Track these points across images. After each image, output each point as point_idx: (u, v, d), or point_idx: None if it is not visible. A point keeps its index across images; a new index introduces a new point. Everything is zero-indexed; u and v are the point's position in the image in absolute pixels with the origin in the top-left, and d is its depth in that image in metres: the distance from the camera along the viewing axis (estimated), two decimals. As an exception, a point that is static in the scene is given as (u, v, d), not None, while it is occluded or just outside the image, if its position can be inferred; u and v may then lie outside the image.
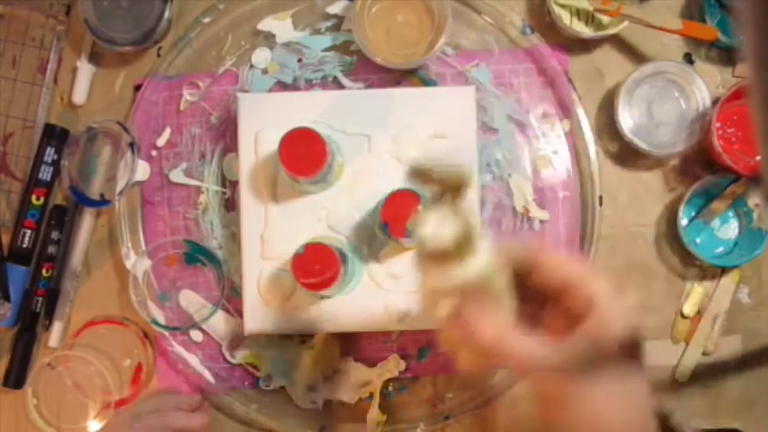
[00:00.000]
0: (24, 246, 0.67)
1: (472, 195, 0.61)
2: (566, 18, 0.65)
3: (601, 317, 0.40)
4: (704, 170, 0.66)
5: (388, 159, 0.62)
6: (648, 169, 0.67)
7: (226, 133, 0.67)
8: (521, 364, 0.40)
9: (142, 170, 0.67)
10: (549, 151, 0.66)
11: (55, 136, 0.67)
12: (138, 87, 0.68)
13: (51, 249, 0.67)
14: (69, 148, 0.67)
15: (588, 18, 0.66)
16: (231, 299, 0.66)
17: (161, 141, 0.67)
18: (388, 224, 0.56)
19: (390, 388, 0.66)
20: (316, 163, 0.56)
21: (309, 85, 0.67)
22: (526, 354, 0.39)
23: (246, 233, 0.62)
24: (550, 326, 0.43)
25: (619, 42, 0.67)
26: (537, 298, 0.43)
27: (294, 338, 0.66)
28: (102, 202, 0.67)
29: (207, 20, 0.67)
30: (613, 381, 0.40)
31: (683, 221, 0.65)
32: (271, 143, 0.61)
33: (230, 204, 0.67)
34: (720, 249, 0.66)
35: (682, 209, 0.63)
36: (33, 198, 0.67)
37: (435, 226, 0.37)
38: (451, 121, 0.62)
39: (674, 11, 0.67)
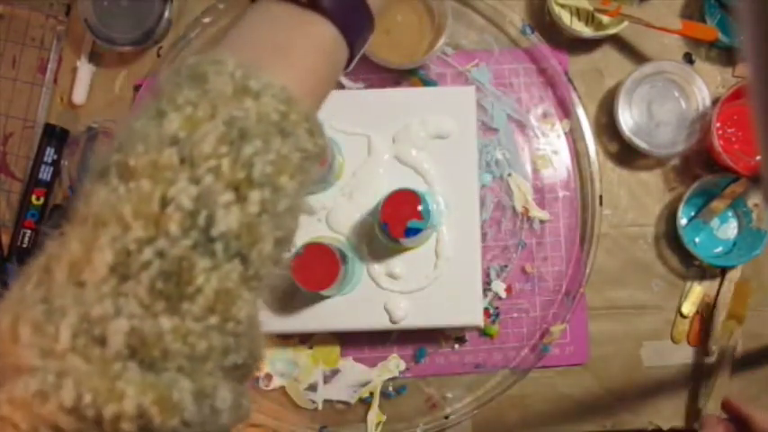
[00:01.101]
0: (24, 246, 0.67)
1: (473, 195, 0.62)
2: (566, 18, 0.65)
3: None
4: (704, 170, 0.66)
5: (388, 159, 0.62)
6: (648, 169, 0.67)
7: (226, 133, 0.67)
8: None
9: (142, 170, 0.67)
10: (549, 151, 0.66)
11: (55, 136, 0.67)
12: (138, 87, 0.68)
13: (51, 249, 0.67)
14: (69, 148, 0.67)
15: (588, 18, 0.66)
16: (231, 299, 0.66)
17: (161, 141, 0.67)
18: (388, 224, 0.56)
19: (390, 388, 0.66)
20: (316, 163, 0.56)
21: (309, 85, 0.67)
22: None
23: (246, 233, 0.62)
24: None
25: (619, 42, 0.67)
26: None
27: (294, 338, 0.66)
28: (102, 202, 0.66)
29: (207, 20, 0.67)
30: None
31: (683, 221, 0.65)
32: (271, 143, 0.61)
33: (230, 204, 0.67)
34: (719, 249, 0.66)
35: (681, 208, 0.64)
36: (33, 198, 0.67)
37: None
38: (451, 121, 0.62)
39: (674, 11, 0.67)
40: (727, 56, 0.67)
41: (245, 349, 0.34)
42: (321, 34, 0.40)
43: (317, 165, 0.40)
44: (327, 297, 0.61)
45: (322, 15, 0.39)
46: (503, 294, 0.66)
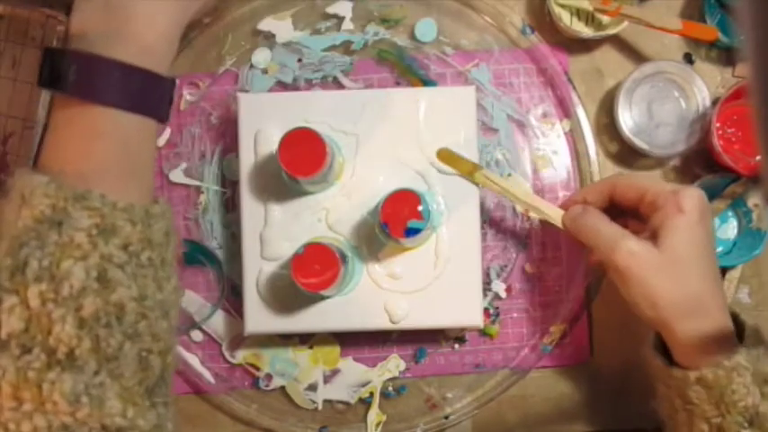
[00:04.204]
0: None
1: (473, 195, 0.62)
2: (566, 18, 0.65)
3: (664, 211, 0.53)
4: (704, 170, 0.66)
5: (387, 159, 0.62)
6: (648, 169, 0.67)
7: (226, 133, 0.67)
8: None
9: (142, 170, 0.67)
10: (548, 151, 0.66)
11: (55, 136, 0.67)
12: (137, 87, 0.68)
13: (51, 249, 0.67)
14: (69, 148, 0.67)
15: (588, 18, 0.66)
16: (231, 299, 0.66)
17: (161, 141, 0.67)
18: (388, 224, 0.56)
19: (390, 388, 0.66)
20: (316, 163, 0.56)
21: (309, 85, 0.67)
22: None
23: (246, 233, 0.62)
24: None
25: (619, 42, 0.67)
26: (624, 215, 0.58)
27: (294, 338, 0.66)
28: (102, 202, 0.66)
29: (207, 20, 0.67)
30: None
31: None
32: (271, 143, 0.61)
33: (230, 204, 0.67)
34: (720, 249, 0.66)
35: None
36: (33, 198, 0.67)
37: None
38: (451, 121, 0.62)
39: (674, 11, 0.67)
40: (727, 56, 0.67)
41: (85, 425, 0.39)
42: (85, 118, 0.43)
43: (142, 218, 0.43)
44: (327, 297, 0.61)
45: (84, 99, 0.43)
46: (503, 294, 0.66)
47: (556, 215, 0.60)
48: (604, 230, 0.55)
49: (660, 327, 0.54)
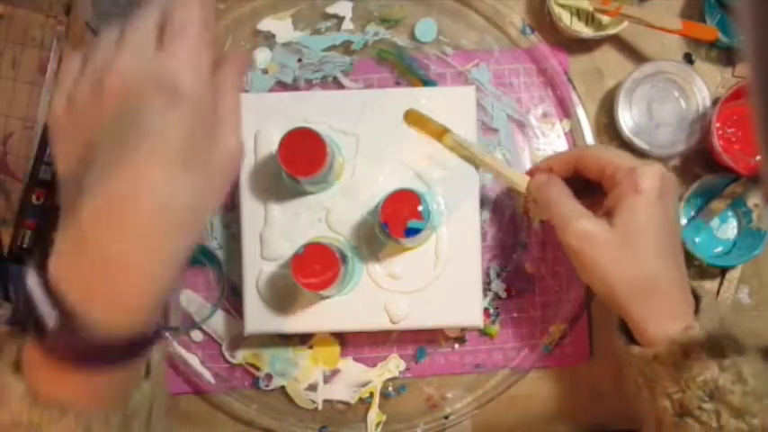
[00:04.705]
0: (24, 246, 0.67)
1: (473, 195, 0.62)
2: (566, 18, 0.65)
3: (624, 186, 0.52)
4: (704, 170, 0.66)
5: (387, 159, 0.62)
6: (648, 169, 0.67)
7: (226, 133, 0.67)
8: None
9: (142, 170, 0.67)
10: (549, 151, 0.66)
11: (55, 136, 0.67)
12: (138, 87, 0.68)
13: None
14: (69, 148, 0.67)
15: (588, 18, 0.66)
16: (231, 299, 0.66)
17: (161, 141, 0.67)
18: (388, 224, 0.56)
19: (390, 388, 0.66)
20: (316, 163, 0.56)
21: (309, 85, 0.67)
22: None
23: (246, 233, 0.62)
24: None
25: (619, 42, 0.67)
26: (587, 191, 0.56)
27: (294, 338, 0.66)
28: (102, 202, 0.66)
29: (207, 20, 0.67)
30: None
31: (683, 221, 0.65)
32: (271, 143, 0.61)
33: (230, 204, 0.67)
34: (719, 249, 0.66)
35: (681, 208, 0.64)
36: (33, 198, 0.67)
37: None
38: (451, 121, 0.62)
39: (674, 11, 0.67)
40: (727, 56, 0.67)
41: None
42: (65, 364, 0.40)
43: None
44: (327, 297, 0.61)
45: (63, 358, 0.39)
46: (503, 294, 0.66)
47: (522, 182, 0.59)
48: (562, 205, 0.54)
49: (615, 306, 0.53)
